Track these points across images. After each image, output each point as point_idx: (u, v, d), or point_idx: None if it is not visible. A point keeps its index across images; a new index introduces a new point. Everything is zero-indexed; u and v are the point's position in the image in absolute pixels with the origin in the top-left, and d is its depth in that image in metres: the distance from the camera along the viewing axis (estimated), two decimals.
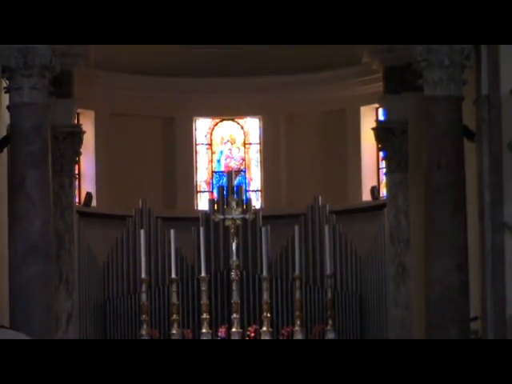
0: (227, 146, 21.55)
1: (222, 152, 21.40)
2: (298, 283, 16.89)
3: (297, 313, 16.82)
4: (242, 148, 21.64)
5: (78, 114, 19.13)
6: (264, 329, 16.35)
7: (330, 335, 16.25)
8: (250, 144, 21.58)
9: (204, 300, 16.36)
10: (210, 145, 21.24)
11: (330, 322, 16.52)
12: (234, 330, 16.31)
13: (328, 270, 16.87)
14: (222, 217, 16.80)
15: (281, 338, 17.38)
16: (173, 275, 16.70)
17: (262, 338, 16.66)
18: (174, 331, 16.57)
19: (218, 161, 21.40)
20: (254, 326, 16.45)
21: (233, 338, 16.50)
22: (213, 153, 21.30)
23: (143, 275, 16.67)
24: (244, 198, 18.92)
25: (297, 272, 16.97)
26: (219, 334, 16.23)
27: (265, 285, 16.91)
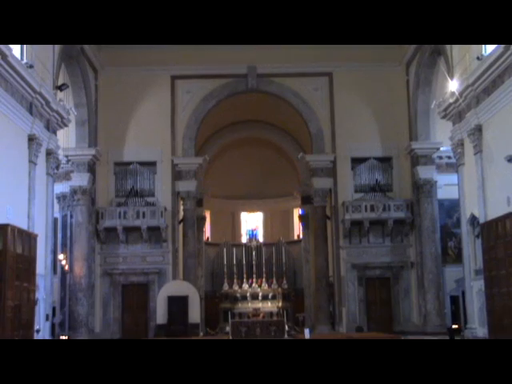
0: (251, 222, 41.66)
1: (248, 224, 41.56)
2: (273, 266, 34.90)
3: (273, 275, 34.39)
4: (256, 222, 41.62)
5: (204, 211, 36.26)
6: (264, 279, 33.80)
7: (285, 282, 34.17)
8: (258, 221, 41.77)
9: (244, 269, 34.18)
10: (246, 221, 41.10)
11: (284, 277, 34.73)
12: (253, 280, 33.65)
13: (284, 260, 34.74)
14: (249, 244, 35.34)
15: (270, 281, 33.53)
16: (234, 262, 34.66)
17: (263, 284, 33.89)
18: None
19: (248, 227, 41.56)
20: (260, 279, 34.58)
21: (253, 284, 33.36)
22: (246, 223, 41.16)
23: (225, 262, 34.62)
24: (256, 237, 38.14)
25: (273, 261, 35.03)
26: (249, 281, 34.13)
27: (263, 267, 34.46)
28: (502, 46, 18.99)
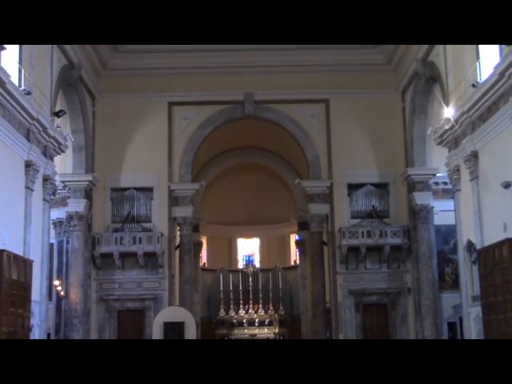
0: (247, 248, 41.62)
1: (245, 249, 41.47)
2: (270, 292, 34.62)
3: (270, 301, 34.08)
4: (252, 248, 41.59)
5: (201, 237, 36.46)
6: (260, 305, 33.75)
7: (281, 308, 33.94)
8: (255, 247, 41.73)
9: (241, 295, 33.81)
10: (243, 247, 41.08)
11: (281, 302, 34.68)
12: (250, 306, 33.57)
13: (280, 286, 34.56)
14: (246, 269, 35.21)
15: (266, 307, 33.35)
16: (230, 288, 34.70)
17: (260, 310, 33.76)
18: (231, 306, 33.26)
19: (245, 253, 41.47)
20: (257, 305, 34.62)
21: (250, 310, 33.51)
22: (243, 249, 41.08)
23: (221, 288, 34.58)
24: (253, 263, 37.82)
25: (270, 287, 34.73)
26: (246, 307, 33.86)
27: (260, 293, 34.21)
28: (497, 72, 19.10)
